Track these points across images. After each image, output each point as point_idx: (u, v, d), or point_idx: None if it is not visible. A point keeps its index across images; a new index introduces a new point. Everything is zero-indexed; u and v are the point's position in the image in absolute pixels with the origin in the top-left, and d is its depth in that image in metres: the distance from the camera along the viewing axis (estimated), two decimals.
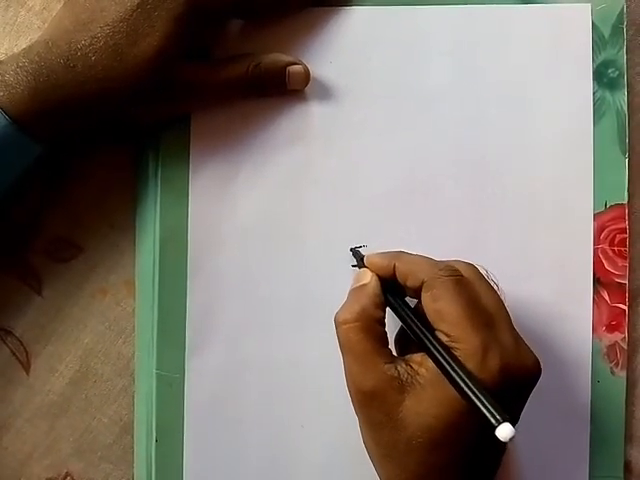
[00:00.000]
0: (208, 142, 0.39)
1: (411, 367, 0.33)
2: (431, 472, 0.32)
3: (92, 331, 0.40)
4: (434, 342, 0.32)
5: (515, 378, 0.32)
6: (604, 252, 0.40)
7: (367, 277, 0.35)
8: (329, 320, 0.38)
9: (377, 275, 0.35)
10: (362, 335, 0.33)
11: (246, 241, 0.39)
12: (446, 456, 0.32)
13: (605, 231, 0.40)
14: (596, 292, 0.40)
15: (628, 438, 0.40)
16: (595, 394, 0.39)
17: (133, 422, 0.40)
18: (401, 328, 0.36)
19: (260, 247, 0.39)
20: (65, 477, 0.40)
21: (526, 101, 0.40)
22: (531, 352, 0.33)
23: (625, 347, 0.40)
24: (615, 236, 0.40)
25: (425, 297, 0.33)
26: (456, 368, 0.31)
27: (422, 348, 0.33)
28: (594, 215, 0.40)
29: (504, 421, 0.29)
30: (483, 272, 0.35)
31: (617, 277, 0.40)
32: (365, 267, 0.36)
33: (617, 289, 0.40)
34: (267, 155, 0.39)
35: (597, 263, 0.40)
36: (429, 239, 0.39)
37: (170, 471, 0.38)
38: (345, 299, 0.36)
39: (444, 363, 0.31)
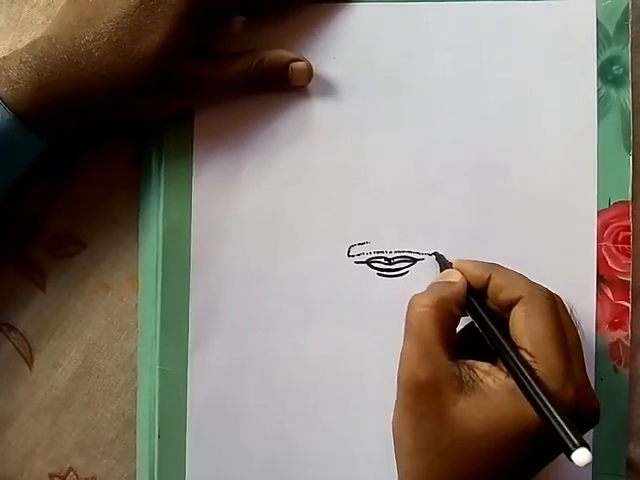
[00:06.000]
0: (211, 138, 0.39)
1: (474, 372, 0.33)
2: (462, 477, 0.32)
3: (95, 326, 0.40)
4: (517, 357, 0.32)
5: (580, 416, 0.32)
6: (608, 249, 0.40)
7: (456, 277, 0.35)
8: (332, 315, 0.38)
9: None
10: (435, 323, 0.33)
11: (249, 237, 0.39)
12: (483, 466, 0.32)
13: (609, 228, 0.40)
14: (599, 289, 0.40)
15: (631, 435, 0.40)
16: (598, 391, 0.39)
17: (136, 417, 0.40)
18: (461, 333, 0.36)
19: (263, 243, 0.39)
20: (68, 472, 0.40)
21: (530, 98, 0.40)
22: (596, 398, 0.34)
23: (628, 345, 0.40)
24: (619, 233, 0.40)
25: (518, 311, 0.33)
26: (536, 387, 0.31)
27: (495, 358, 0.33)
28: (598, 212, 0.39)
29: (581, 446, 0.29)
30: (568, 308, 0.35)
31: (620, 274, 0.40)
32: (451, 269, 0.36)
33: (620, 287, 0.40)
34: (270, 151, 0.39)
35: (601, 260, 0.40)
36: (431, 236, 0.39)
37: (172, 467, 0.39)
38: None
39: (523, 379, 0.31)
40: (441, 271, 0.37)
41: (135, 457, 0.40)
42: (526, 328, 0.33)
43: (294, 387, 0.39)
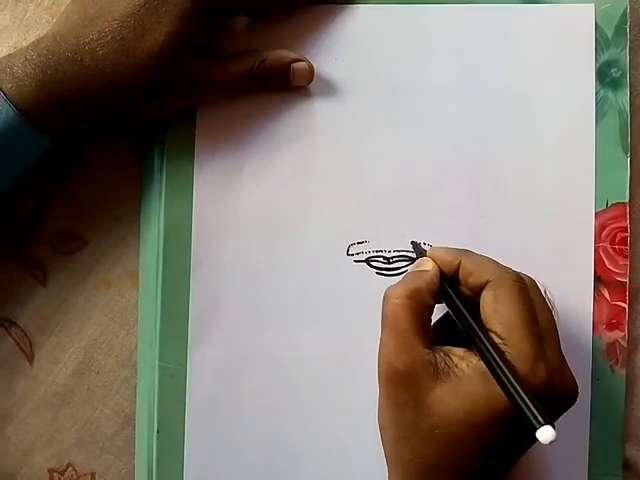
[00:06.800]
0: (213, 137, 0.39)
1: (450, 358, 0.33)
2: (444, 463, 0.33)
3: (96, 322, 0.40)
4: (487, 340, 0.32)
5: (553, 397, 0.32)
6: (605, 250, 0.40)
7: (428, 265, 0.36)
8: (331, 314, 0.38)
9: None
10: (409, 314, 0.33)
11: (249, 235, 0.39)
12: (463, 451, 0.32)
13: (606, 229, 0.40)
14: (597, 290, 0.40)
15: (627, 436, 0.40)
16: (595, 392, 0.39)
17: (135, 413, 0.40)
18: (439, 321, 0.36)
19: (263, 241, 0.39)
20: (67, 467, 0.40)
21: (529, 100, 0.40)
22: (573, 377, 0.34)
23: (625, 345, 0.40)
24: (616, 234, 0.40)
25: (487, 295, 0.33)
26: (504, 369, 0.31)
27: (470, 343, 0.33)
28: (595, 213, 0.40)
29: (546, 424, 0.29)
30: (542, 289, 0.35)
31: (618, 275, 0.40)
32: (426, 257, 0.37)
33: (617, 287, 0.40)
34: (271, 150, 0.40)
35: (598, 261, 0.40)
36: (430, 236, 0.40)
37: (171, 463, 0.39)
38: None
39: (492, 362, 0.31)
40: (416, 258, 0.38)
41: (134, 453, 0.40)
42: (495, 311, 0.33)
43: (293, 384, 0.39)
